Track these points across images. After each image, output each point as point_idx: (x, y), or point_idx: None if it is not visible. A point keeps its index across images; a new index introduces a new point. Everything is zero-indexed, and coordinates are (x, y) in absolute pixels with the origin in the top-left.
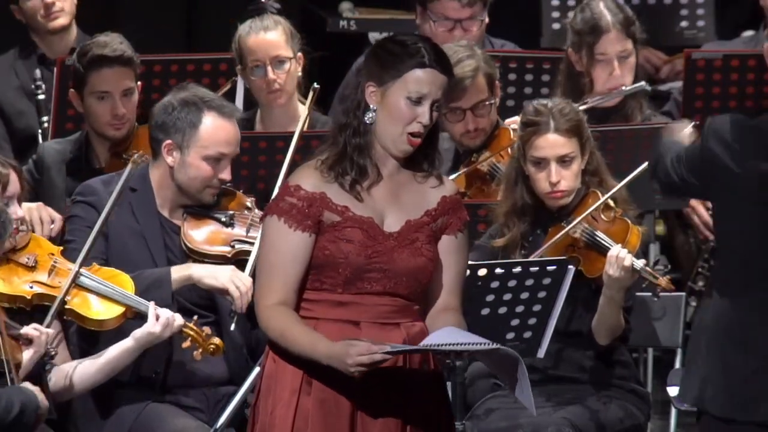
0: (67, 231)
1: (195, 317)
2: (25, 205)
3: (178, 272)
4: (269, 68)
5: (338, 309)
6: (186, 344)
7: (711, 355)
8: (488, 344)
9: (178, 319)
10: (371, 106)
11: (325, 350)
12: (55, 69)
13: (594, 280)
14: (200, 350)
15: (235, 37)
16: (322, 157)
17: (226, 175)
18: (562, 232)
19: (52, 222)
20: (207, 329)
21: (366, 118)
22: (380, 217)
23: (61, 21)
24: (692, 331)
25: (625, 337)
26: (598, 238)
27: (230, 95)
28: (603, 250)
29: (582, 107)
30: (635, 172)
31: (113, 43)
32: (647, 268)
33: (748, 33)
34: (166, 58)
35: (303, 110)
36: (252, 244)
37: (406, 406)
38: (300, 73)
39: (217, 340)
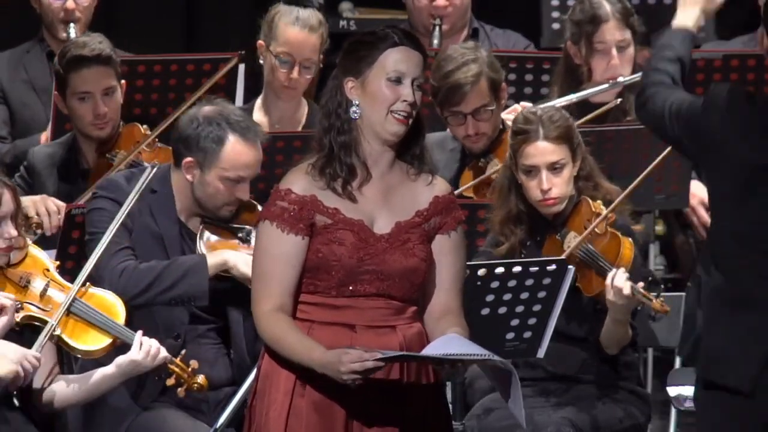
0: (90, 222)
1: (183, 351)
2: (28, 198)
3: (213, 258)
4: (296, 68)
5: (333, 312)
6: (171, 381)
7: (700, 319)
8: (481, 355)
9: (163, 352)
10: (353, 101)
11: (319, 359)
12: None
13: (591, 298)
14: (185, 387)
15: (273, 16)
16: (312, 161)
17: (243, 194)
18: (564, 255)
19: (59, 212)
20: (194, 363)
21: (351, 113)
22: (370, 219)
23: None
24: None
25: (633, 342)
26: (594, 258)
27: (231, 85)
28: (599, 271)
29: (579, 95)
30: (635, 182)
31: (92, 42)
32: (641, 290)
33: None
34: (166, 58)
35: (304, 103)
36: None
37: (403, 409)
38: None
39: (201, 378)
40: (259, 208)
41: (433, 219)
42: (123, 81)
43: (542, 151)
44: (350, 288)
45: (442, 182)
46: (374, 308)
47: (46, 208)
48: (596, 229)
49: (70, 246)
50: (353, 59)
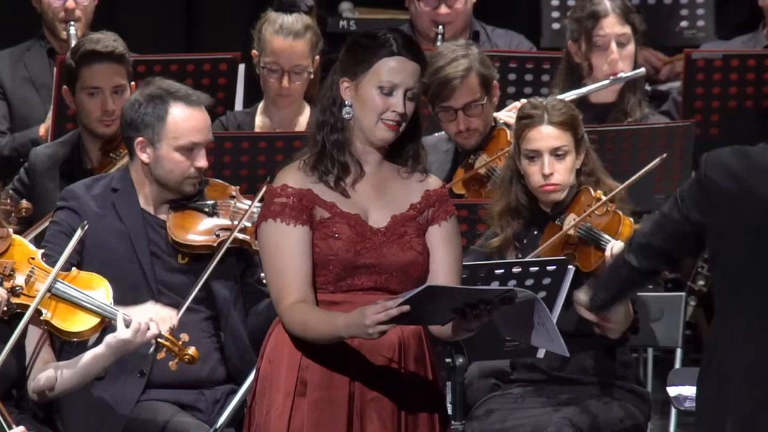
0: (46, 235)
1: (174, 324)
2: None
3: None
4: (286, 77)
5: (332, 308)
6: (161, 355)
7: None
8: (503, 289)
9: (153, 328)
10: (347, 101)
11: (343, 323)
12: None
13: (589, 274)
14: (176, 360)
15: (261, 25)
16: (304, 158)
17: (202, 162)
18: (561, 233)
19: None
20: (184, 336)
21: (343, 113)
22: (365, 213)
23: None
24: (707, 364)
25: (636, 327)
26: (592, 233)
27: (231, 85)
28: (597, 244)
29: (580, 91)
30: (638, 174)
31: (106, 39)
32: None
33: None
34: (166, 58)
35: (305, 107)
36: (237, 230)
37: (402, 405)
38: (312, 77)
39: (192, 350)
40: (217, 180)
41: (426, 212)
42: (133, 82)
43: (546, 135)
44: (348, 282)
45: (435, 178)
46: (372, 303)
47: None
48: (596, 212)
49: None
50: (351, 60)
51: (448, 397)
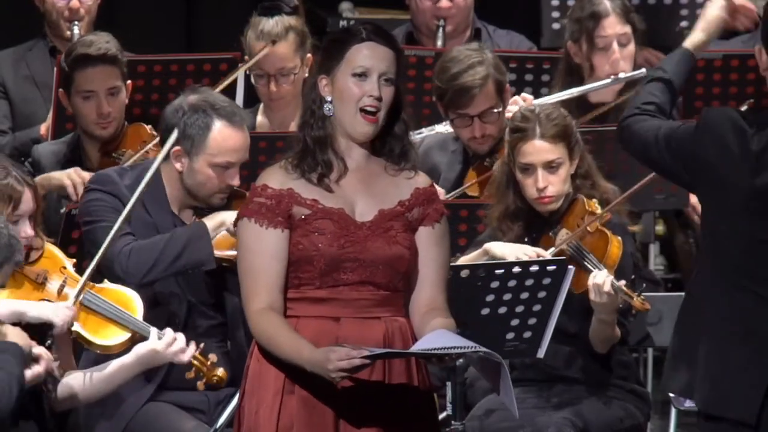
0: (86, 212)
1: (201, 345)
2: (63, 172)
3: (211, 221)
4: (272, 82)
5: (317, 306)
6: (190, 375)
7: (701, 350)
8: (467, 347)
9: (189, 350)
10: (326, 98)
11: (308, 358)
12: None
13: (579, 295)
14: (204, 380)
15: (247, 31)
16: (287, 157)
17: (234, 181)
18: (552, 249)
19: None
20: (213, 357)
21: (324, 110)
22: (351, 207)
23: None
24: (682, 325)
25: (624, 340)
26: (580, 252)
27: (231, 90)
28: (586, 270)
29: (580, 89)
30: (636, 186)
31: (98, 42)
32: (624, 288)
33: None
34: (166, 58)
35: None
36: None
37: (390, 406)
38: (307, 74)
39: (221, 371)
40: (247, 194)
41: (415, 209)
42: (129, 81)
43: (538, 149)
44: (333, 277)
45: (424, 176)
46: (359, 299)
47: (82, 178)
48: (588, 228)
49: (70, 246)
50: (326, 57)
51: (448, 397)
